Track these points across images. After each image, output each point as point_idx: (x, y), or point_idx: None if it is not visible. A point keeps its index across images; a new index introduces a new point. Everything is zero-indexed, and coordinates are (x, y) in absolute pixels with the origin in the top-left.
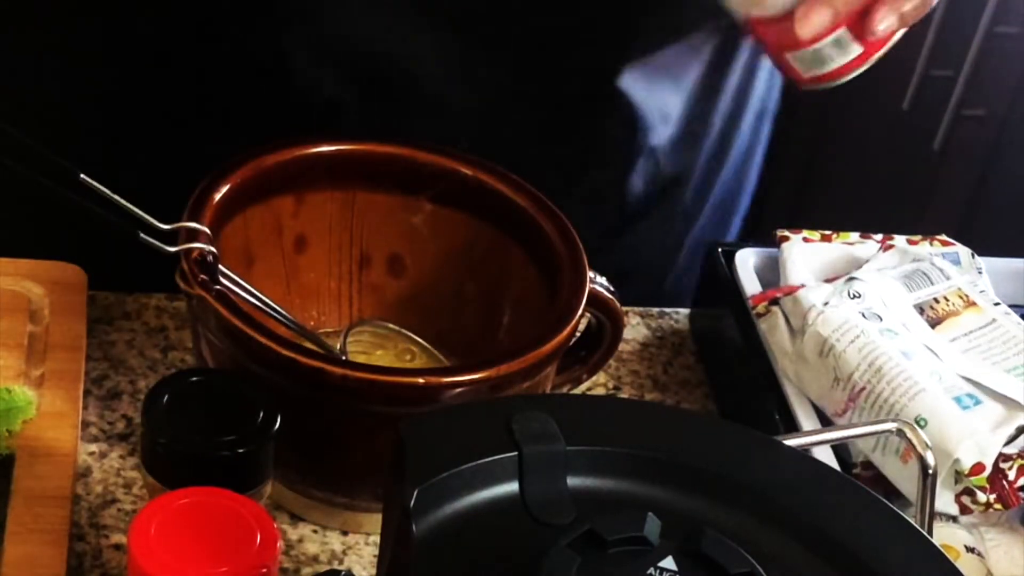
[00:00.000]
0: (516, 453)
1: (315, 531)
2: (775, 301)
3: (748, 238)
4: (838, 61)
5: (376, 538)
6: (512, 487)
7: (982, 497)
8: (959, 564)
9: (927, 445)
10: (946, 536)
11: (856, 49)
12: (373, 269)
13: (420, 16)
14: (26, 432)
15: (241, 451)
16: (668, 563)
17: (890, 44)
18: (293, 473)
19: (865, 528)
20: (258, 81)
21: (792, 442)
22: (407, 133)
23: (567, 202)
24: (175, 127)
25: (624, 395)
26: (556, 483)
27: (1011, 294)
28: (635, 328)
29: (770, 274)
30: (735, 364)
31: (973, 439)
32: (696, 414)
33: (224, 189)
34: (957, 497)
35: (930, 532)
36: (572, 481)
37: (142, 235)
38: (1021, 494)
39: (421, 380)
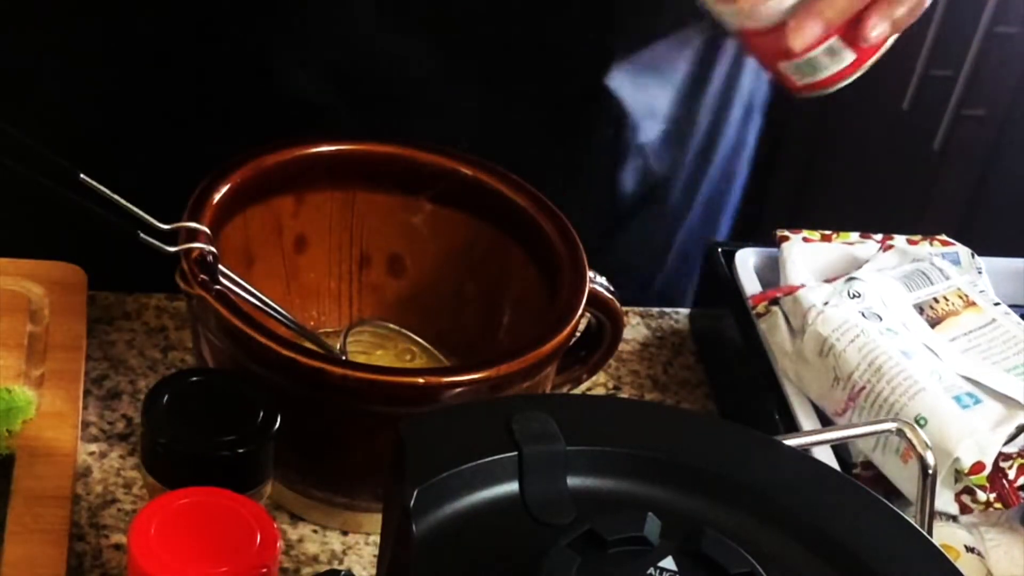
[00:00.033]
0: (516, 453)
1: (315, 531)
2: (775, 301)
3: (741, 236)
4: (831, 69)
5: (376, 538)
6: (512, 487)
7: (982, 496)
8: (959, 564)
9: (927, 444)
10: (946, 536)
11: (849, 56)
12: (373, 269)
13: (420, 17)
14: (26, 432)
15: (241, 451)
16: (668, 563)
17: (883, 50)
18: (293, 473)
19: (865, 528)
20: (258, 81)
21: (792, 442)
22: (407, 133)
23: (567, 202)
24: (175, 127)
25: (624, 395)
26: (556, 483)
27: (1011, 294)
28: (635, 328)
29: (770, 274)
30: (735, 364)
31: (973, 438)
32: (696, 414)
33: (224, 189)
34: (957, 496)
35: (930, 532)
36: (572, 481)
37: (142, 235)
38: (1021, 493)
39: (421, 380)
